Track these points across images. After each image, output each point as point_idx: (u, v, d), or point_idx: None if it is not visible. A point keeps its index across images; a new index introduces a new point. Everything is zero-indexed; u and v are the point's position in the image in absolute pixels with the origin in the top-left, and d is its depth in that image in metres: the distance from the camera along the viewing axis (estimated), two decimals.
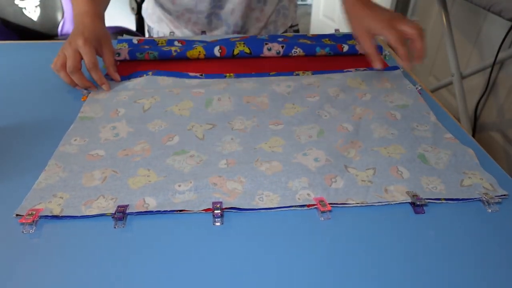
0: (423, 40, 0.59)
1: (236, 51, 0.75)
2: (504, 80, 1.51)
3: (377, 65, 0.65)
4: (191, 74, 0.69)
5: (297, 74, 0.70)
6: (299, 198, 0.43)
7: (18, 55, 0.78)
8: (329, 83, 0.66)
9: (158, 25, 0.93)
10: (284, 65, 0.73)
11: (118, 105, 0.59)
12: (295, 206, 0.42)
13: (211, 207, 0.41)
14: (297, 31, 1.00)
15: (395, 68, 0.72)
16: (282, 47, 0.75)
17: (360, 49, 0.72)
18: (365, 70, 0.71)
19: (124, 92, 0.63)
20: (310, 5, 2.83)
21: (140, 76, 0.68)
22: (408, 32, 0.60)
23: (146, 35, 1.63)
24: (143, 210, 0.41)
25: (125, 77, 0.68)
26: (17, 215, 0.40)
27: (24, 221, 0.39)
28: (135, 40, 0.80)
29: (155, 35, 0.95)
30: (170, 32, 0.88)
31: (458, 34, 1.76)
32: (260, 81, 0.66)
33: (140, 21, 1.76)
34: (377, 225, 0.40)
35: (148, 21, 0.96)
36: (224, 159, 0.48)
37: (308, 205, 0.42)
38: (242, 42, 0.76)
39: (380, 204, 0.42)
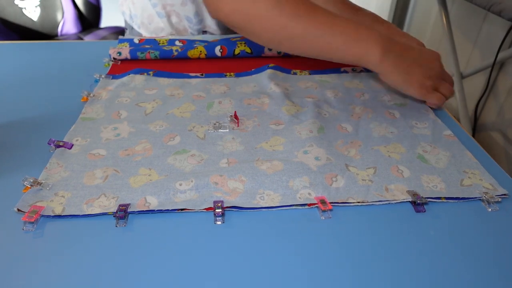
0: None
1: (237, 51, 0.75)
2: (504, 80, 1.51)
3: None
4: (191, 74, 0.70)
5: (295, 73, 0.71)
6: (300, 197, 0.43)
7: (18, 55, 0.79)
8: (326, 85, 0.67)
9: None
10: (285, 65, 0.74)
11: (120, 107, 0.59)
12: (296, 205, 0.42)
13: (212, 206, 0.41)
14: None
15: None
16: None
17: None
18: (361, 71, 0.71)
19: (126, 93, 0.63)
20: None
21: (141, 74, 0.68)
22: (445, 96, 0.59)
23: None
24: (144, 209, 0.41)
25: (125, 73, 0.69)
26: (18, 210, 0.40)
27: (26, 219, 0.39)
28: (136, 39, 0.80)
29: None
30: (171, 33, 0.88)
31: (458, 34, 1.76)
32: (260, 84, 0.66)
33: None
34: (378, 224, 0.40)
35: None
36: (225, 158, 0.49)
37: (309, 204, 0.42)
38: (243, 42, 0.76)
39: (380, 203, 0.43)
